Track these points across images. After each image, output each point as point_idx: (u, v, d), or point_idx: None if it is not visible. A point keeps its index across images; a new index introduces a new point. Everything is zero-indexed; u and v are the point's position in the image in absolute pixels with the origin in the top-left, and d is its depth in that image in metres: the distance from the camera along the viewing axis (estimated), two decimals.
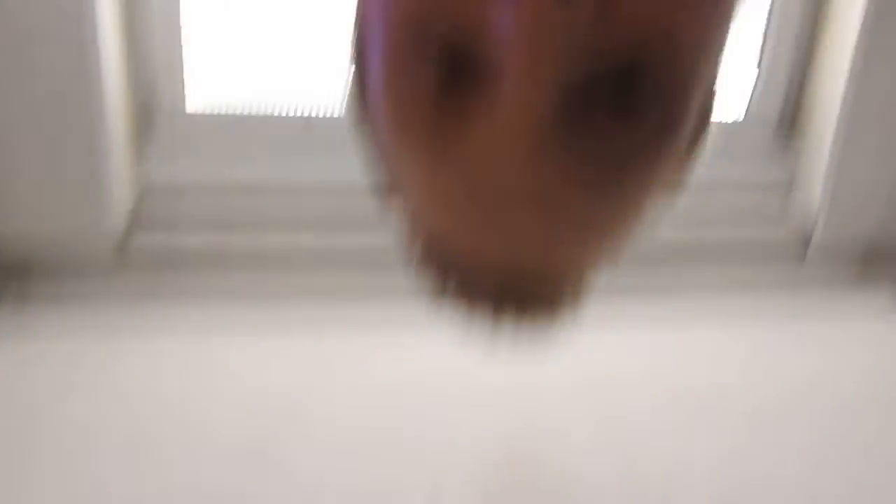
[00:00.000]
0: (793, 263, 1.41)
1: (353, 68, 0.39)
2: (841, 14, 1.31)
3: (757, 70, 1.43)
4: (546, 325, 0.41)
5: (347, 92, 0.41)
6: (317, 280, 1.30)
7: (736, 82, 1.43)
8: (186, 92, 1.32)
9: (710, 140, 0.42)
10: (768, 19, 1.40)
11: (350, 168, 1.27)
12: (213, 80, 1.36)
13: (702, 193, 1.36)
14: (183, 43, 1.29)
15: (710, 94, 0.38)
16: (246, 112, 1.36)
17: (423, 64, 0.31)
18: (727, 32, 0.35)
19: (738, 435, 0.99)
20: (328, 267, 1.32)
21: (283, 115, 1.37)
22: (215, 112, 1.35)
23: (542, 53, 0.27)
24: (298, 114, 1.37)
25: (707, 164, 1.21)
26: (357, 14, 0.37)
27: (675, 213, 1.20)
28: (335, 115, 1.38)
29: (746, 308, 1.31)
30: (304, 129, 1.37)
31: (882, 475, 0.93)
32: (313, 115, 1.37)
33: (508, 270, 0.36)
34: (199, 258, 1.29)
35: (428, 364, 1.11)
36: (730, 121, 1.45)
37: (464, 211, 0.34)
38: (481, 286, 0.38)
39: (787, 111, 1.45)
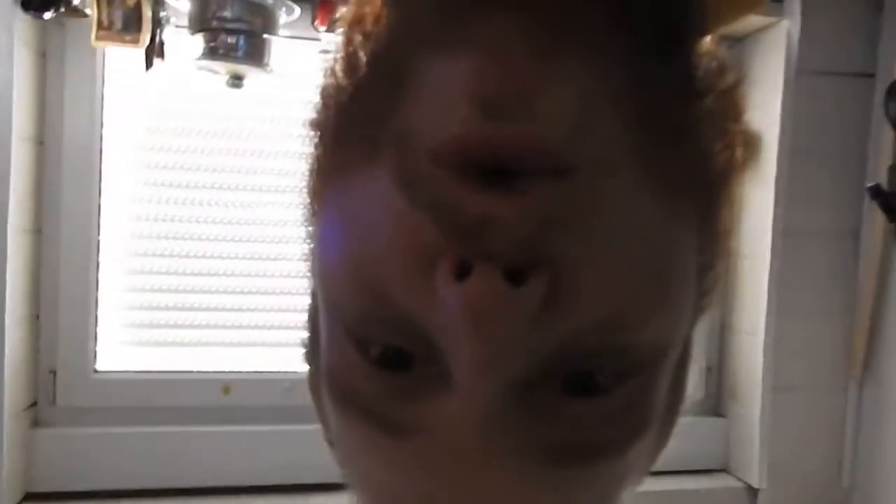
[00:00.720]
0: None
1: (308, 345, 0.38)
2: (748, 298, 1.39)
3: None
4: None
5: (305, 363, 0.39)
6: None
7: None
8: (97, 355, 1.25)
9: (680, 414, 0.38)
10: None
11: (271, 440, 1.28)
12: (126, 344, 1.29)
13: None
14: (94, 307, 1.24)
15: (682, 367, 0.36)
16: (157, 370, 1.28)
17: (366, 344, 0.30)
18: (697, 316, 0.34)
19: None
20: None
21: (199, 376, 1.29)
22: (125, 370, 1.27)
23: (488, 341, 0.26)
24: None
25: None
26: (312, 286, 0.36)
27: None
28: (255, 376, 1.31)
29: None
30: (223, 392, 1.29)
31: None
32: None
33: None
34: None
35: None
36: None
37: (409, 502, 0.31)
38: None
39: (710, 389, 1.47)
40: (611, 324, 0.28)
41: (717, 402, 1.47)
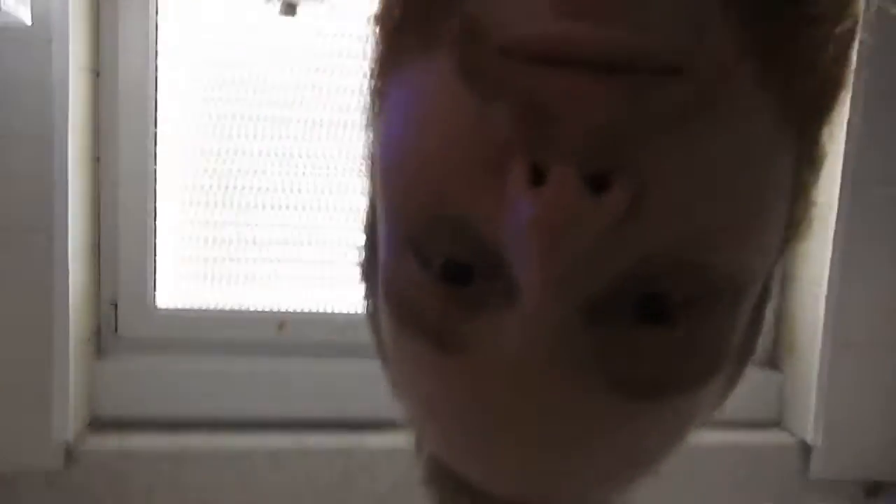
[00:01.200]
0: (791, 497, 1.33)
1: (363, 259, 0.36)
2: (814, 246, 1.34)
3: None
4: None
5: (361, 288, 0.37)
6: (277, 478, 1.19)
7: None
8: (157, 288, 1.27)
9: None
10: None
11: (324, 370, 1.30)
12: (184, 277, 1.31)
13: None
14: (153, 239, 1.26)
15: (759, 309, 0.34)
16: (216, 308, 1.30)
17: (427, 256, 0.29)
18: (784, 246, 0.32)
19: None
20: (288, 468, 1.21)
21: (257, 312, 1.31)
22: (184, 307, 1.29)
23: (562, 263, 0.24)
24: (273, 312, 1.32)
25: None
26: (368, 202, 0.35)
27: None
28: (311, 314, 1.32)
29: None
30: (278, 329, 1.30)
31: None
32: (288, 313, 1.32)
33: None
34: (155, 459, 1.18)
35: None
36: None
37: (469, 433, 0.30)
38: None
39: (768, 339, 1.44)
40: (694, 243, 0.26)
41: (774, 355, 1.44)
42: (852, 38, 0.30)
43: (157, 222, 1.26)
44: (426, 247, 0.28)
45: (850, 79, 0.31)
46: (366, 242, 0.36)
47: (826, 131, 0.31)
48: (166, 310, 1.28)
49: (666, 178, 0.25)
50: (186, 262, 1.31)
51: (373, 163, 0.33)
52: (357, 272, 0.37)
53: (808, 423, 1.35)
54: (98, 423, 1.22)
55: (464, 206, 0.27)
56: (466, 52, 0.26)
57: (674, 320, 0.27)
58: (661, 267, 0.26)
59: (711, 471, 1.32)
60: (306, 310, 1.33)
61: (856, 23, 0.30)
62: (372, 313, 0.36)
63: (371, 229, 0.35)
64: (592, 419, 0.28)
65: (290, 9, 1.11)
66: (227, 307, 1.31)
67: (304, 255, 1.33)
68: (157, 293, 1.28)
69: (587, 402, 0.27)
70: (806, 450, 1.36)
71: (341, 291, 1.32)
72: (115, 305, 1.25)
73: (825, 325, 1.31)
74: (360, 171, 0.35)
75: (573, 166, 0.24)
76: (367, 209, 0.36)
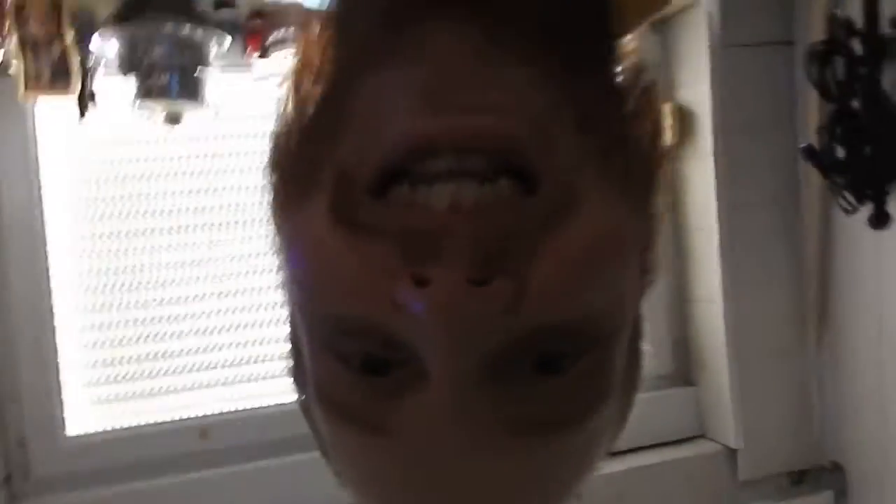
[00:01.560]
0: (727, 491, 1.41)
1: (290, 361, 0.40)
2: (703, 269, 1.44)
3: None
4: None
5: (291, 384, 0.40)
6: None
7: None
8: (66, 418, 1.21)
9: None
10: None
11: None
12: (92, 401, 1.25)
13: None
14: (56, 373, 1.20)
15: (635, 343, 0.38)
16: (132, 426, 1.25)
17: (345, 356, 0.32)
18: (642, 293, 0.37)
19: None
20: None
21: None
22: (97, 431, 1.23)
23: (460, 334, 0.28)
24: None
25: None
26: (289, 309, 0.38)
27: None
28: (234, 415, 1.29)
29: None
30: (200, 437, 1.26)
31: None
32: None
33: None
34: None
35: None
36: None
37: (403, 493, 0.33)
38: None
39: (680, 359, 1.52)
40: (573, 312, 0.31)
41: (687, 372, 1.52)
42: (661, 129, 0.37)
43: (58, 355, 1.20)
44: (343, 349, 0.32)
45: (667, 156, 0.37)
46: (291, 349, 0.39)
47: (656, 200, 0.36)
48: (78, 437, 1.22)
49: (541, 269, 0.30)
50: (94, 387, 1.25)
51: (284, 283, 0.37)
52: (288, 376, 0.40)
53: (730, 430, 1.42)
54: None
55: (366, 313, 0.31)
56: (338, 198, 0.31)
57: (564, 369, 0.32)
58: (549, 333, 0.31)
59: (648, 489, 1.37)
60: (228, 411, 1.29)
61: (660, 114, 0.37)
62: (307, 410, 0.38)
63: (294, 336, 0.38)
64: (509, 468, 0.32)
65: (174, 119, 1.10)
66: (144, 423, 1.25)
67: (214, 360, 1.30)
68: (66, 426, 1.21)
69: (500, 457, 0.31)
70: (732, 454, 1.43)
71: (261, 388, 1.30)
72: (24, 445, 1.17)
73: (727, 338, 1.39)
74: (277, 285, 0.38)
75: (453, 274, 0.28)
76: (289, 320, 0.39)
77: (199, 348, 1.29)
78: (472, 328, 0.28)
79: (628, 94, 0.35)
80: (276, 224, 0.37)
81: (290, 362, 0.40)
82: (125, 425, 1.25)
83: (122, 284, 1.25)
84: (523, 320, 0.30)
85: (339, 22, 0.34)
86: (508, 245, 0.29)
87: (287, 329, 0.39)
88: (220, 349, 1.30)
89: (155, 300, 1.26)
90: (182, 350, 1.28)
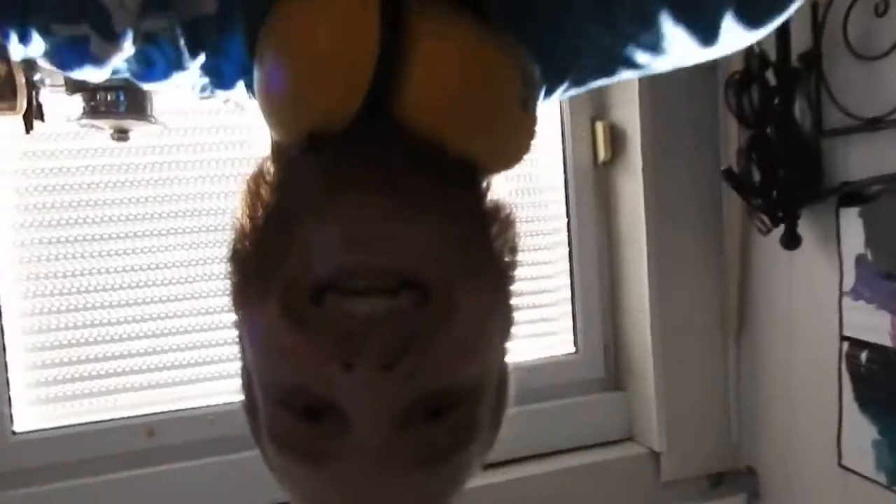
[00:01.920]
0: (651, 490, 1.49)
1: (245, 399, 0.51)
2: (633, 280, 1.51)
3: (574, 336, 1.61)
4: None
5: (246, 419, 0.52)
6: None
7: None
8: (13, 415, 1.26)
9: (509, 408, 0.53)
10: (572, 293, 1.60)
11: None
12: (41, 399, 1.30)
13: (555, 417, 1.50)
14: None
15: (502, 380, 0.52)
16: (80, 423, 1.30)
17: (290, 406, 0.44)
18: (502, 357, 0.51)
19: None
20: None
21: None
22: (44, 428, 1.29)
23: (376, 400, 0.42)
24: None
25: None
26: (243, 368, 0.51)
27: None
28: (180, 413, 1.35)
29: None
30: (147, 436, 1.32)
31: None
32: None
33: None
34: None
35: None
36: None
37: None
38: None
39: (609, 366, 1.61)
40: (455, 379, 0.45)
41: (619, 378, 1.60)
42: (516, 244, 0.51)
43: (5, 353, 1.25)
44: (288, 402, 0.45)
45: (517, 262, 0.51)
46: (245, 393, 0.51)
47: (513, 291, 0.51)
48: (25, 434, 1.27)
49: (430, 356, 0.43)
50: (41, 387, 1.30)
51: (240, 350, 0.50)
52: (243, 412, 0.52)
53: (654, 434, 1.50)
54: None
55: (307, 383, 0.44)
56: (287, 301, 0.44)
57: (446, 416, 0.45)
58: (434, 396, 0.44)
59: (577, 490, 1.45)
60: (174, 410, 1.35)
61: (516, 234, 0.51)
62: (262, 449, 0.50)
63: (248, 386, 0.50)
64: (412, 488, 0.45)
65: (122, 135, 1.15)
66: (92, 421, 1.31)
67: (159, 362, 1.35)
68: (13, 422, 1.26)
69: (406, 479, 0.45)
70: (656, 457, 1.51)
71: (206, 389, 1.36)
72: None
73: (653, 346, 1.48)
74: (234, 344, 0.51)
75: (371, 361, 0.42)
76: (243, 375, 0.51)
77: (145, 350, 1.34)
78: (382, 398, 0.42)
79: (493, 220, 0.49)
80: (235, 306, 0.49)
81: (245, 402, 0.51)
82: (72, 423, 1.30)
83: (69, 288, 1.30)
84: (416, 390, 0.43)
85: (284, 181, 0.48)
86: (407, 341, 0.42)
87: (241, 381, 0.52)
88: (167, 352, 1.36)
89: (101, 304, 1.31)
90: (129, 352, 1.33)
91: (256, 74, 0.49)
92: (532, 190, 1.56)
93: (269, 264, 0.45)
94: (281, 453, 0.46)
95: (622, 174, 1.51)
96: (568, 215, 1.57)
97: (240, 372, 0.52)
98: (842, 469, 1.29)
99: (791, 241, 1.31)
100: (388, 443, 0.43)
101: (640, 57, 0.50)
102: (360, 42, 0.45)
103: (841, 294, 1.27)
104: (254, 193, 0.48)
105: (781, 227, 1.31)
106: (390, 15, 0.45)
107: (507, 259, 0.50)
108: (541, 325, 1.57)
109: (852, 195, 1.24)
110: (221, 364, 1.37)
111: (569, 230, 1.57)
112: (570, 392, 1.55)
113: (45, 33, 0.46)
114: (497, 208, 0.50)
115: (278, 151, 0.50)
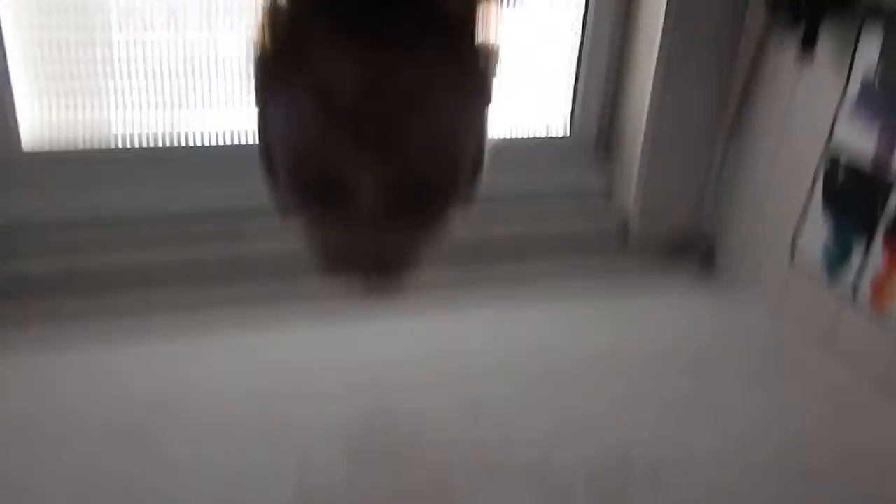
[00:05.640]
0: (614, 255, 1.63)
1: (262, 159, 0.58)
2: (643, 48, 1.48)
3: (573, 96, 1.61)
4: (395, 288, 0.61)
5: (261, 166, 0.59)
6: (160, 295, 1.37)
7: (559, 106, 1.61)
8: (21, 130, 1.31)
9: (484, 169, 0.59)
10: (580, 54, 1.57)
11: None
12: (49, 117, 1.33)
13: (536, 199, 1.59)
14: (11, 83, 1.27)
15: (478, 153, 0.58)
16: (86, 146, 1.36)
17: (309, 175, 0.52)
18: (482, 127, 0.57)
19: (563, 388, 1.23)
20: (174, 283, 1.38)
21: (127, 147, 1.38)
22: (53, 149, 1.34)
23: (370, 176, 0.50)
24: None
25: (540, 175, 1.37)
26: (260, 132, 0.57)
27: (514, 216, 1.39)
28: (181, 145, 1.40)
29: (576, 290, 1.52)
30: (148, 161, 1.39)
31: (680, 422, 1.17)
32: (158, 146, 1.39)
33: (372, 267, 0.59)
34: (43, 286, 1.32)
35: (292, 357, 1.25)
36: (557, 136, 1.62)
37: (342, 250, 0.58)
38: (356, 271, 0.59)
39: (603, 131, 1.63)
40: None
41: (610, 140, 1.64)
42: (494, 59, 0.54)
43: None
44: (307, 176, 0.52)
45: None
46: (260, 145, 0.58)
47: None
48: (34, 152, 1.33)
49: (413, 131, 0.49)
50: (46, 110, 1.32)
51: (261, 120, 0.56)
52: (258, 155, 0.58)
53: (630, 195, 1.59)
54: None
55: (325, 157, 0.50)
56: (319, 103, 0.48)
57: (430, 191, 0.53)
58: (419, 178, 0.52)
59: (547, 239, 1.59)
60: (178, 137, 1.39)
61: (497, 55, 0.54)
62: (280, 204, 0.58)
63: (263, 133, 0.57)
64: (404, 230, 0.55)
65: None
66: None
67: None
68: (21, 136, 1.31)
69: (390, 231, 0.54)
70: (625, 223, 1.62)
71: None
72: None
73: (646, 130, 1.51)
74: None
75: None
76: (258, 124, 0.57)
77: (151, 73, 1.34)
78: (379, 170, 0.49)
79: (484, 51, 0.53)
80: (260, 92, 0.54)
81: (260, 145, 0.57)
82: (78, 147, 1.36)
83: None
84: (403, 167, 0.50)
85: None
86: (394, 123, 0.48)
87: (259, 147, 0.57)
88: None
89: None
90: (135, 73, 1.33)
91: None
92: None
93: (296, 60, 0.49)
94: (300, 203, 0.54)
95: None
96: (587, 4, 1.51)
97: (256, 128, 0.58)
98: (792, 269, 1.41)
99: (808, 42, 1.25)
100: (382, 206, 0.51)
101: None
102: None
103: (837, 113, 1.27)
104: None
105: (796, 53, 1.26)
106: None
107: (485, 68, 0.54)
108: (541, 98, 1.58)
109: (877, 10, 1.16)
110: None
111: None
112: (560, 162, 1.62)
113: None
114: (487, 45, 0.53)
115: None
